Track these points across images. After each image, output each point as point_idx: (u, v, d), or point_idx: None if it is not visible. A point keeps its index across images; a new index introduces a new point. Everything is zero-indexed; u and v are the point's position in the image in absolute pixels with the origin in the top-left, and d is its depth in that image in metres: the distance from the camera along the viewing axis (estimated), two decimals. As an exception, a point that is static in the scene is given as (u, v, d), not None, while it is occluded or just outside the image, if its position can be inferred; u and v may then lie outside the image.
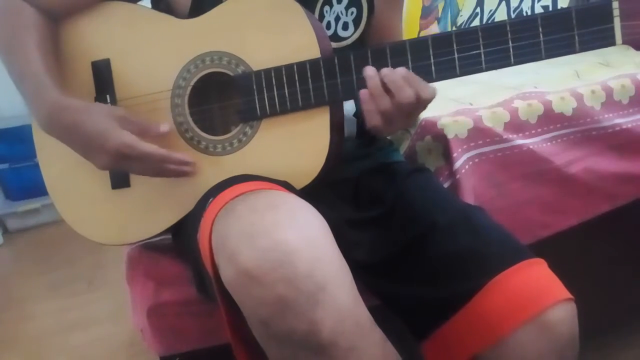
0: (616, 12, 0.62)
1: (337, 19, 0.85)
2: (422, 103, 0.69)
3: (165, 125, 0.77)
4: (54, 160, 0.84)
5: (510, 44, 0.65)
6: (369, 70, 0.69)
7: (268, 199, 0.62)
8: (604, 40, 0.63)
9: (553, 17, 0.64)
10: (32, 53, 0.76)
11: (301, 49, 0.72)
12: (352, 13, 0.86)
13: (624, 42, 0.62)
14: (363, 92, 0.69)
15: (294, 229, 0.56)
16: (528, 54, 0.65)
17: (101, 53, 0.82)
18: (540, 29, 0.64)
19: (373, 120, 0.70)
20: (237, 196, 0.63)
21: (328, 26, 0.84)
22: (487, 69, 0.67)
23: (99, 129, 0.73)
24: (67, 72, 0.82)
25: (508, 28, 0.65)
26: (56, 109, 0.74)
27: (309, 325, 0.53)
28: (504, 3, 1.76)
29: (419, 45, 0.68)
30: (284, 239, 0.55)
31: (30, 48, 0.76)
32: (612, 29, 0.62)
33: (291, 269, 0.53)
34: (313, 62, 0.72)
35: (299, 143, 0.74)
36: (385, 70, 0.68)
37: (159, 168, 0.75)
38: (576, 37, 0.63)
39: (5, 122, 2.54)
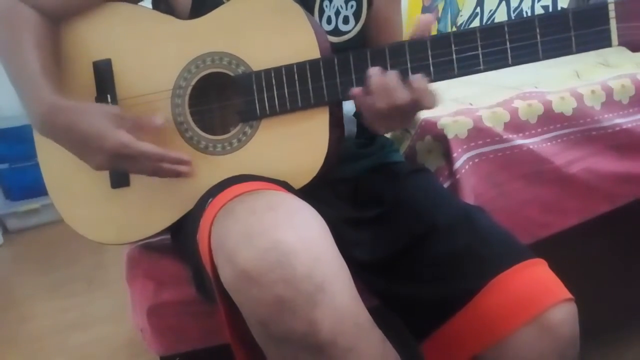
0: (612, 14, 0.62)
1: (338, 13, 0.85)
2: (418, 106, 0.68)
3: (159, 118, 0.77)
4: (54, 159, 0.84)
5: (508, 45, 0.65)
6: (371, 70, 0.69)
7: (267, 200, 0.62)
8: (601, 41, 0.63)
9: (550, 18, 0.64)
10: (29, 55, 0.76)
11: (301, 49, 0.72)
12: (352, 6, 0.86)
13: (620, 44, 0.63)
14: (356, 90, 0.69)
15: (292, 229, 0.56)
16: (526, 55, 0.65)
17: (102, 53, 0.82)
18: (538, 30, 0.64)
19: (368, 116, 0.71)
20: (235, 197, 0.63)
21: (329, 21, 0.84)
22: (486, 70, 0.67)
23: (95, 130, 0.73)
24: (68, 72, 0.83)
25: (506, 29, 0.65)
26: (51, 110, 0.74)
27: (308, 325, 0.53)
28: (504, 3, 1.76)
29: (417, 46, 0.68)
30: (283, 240, 0.54)
31: (28, 49, 0.76)
32: (608, 30, 0.62)
33: (289, 269, 0.53)
34: (313, 63, 0.72)
35: (298, 143, 0.74)
36: (390, 72, 0.68)
37: (156, 167, 0.75)
38: (573, 39, 0.64)
39: (5, 122, 2.54)
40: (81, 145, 0.75)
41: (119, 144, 0.72)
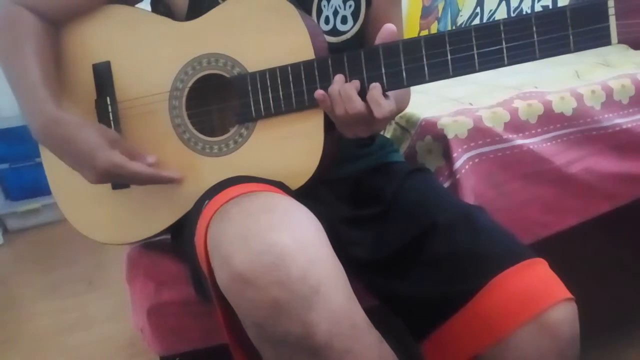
0: (611, 11, 0.61)
1: (336, 13, 0.84)
2: (376, 119, 0.68)
3: (152, 157, 0.78)
4: (57, 160, 0.84)
5: (504, 44, 0.64)
6: (336, 77, 0.70)
7: (262, 202, 0.62)
8: (599, 39, 0.62)
9: (547, 16, 0.63)
10: (29, 62, 0.76)
11: (296, 50, 0.72)
12: (350, 6, 0.85)
13: (620, 41, 0.61)
14: (317, 93, 0.70)
15: (287, 231, 0.56)
16: (522, 54, 0.64)
17: (102, 56, 0.82)
18: (535, 29, 0.63)
19: (332, 120, 0.72)
20: (231, 199, 0.63)
21: (327, 21, 0.84)
22: (481, 70, 0.66)
23: (89, 147, 0.74)
24: (68, 74, 0.83)
25: (502, 28, 0.64)
26: (50, 122, 0.75)
27: (304, 327, 0.53)
28: (504, 3, 1.76)
29: (411, 45, 0.67)
30: (278, 242, 0.55)
31: (28, 57, 0.76)
32: (608, 28, 0.61)
33: (285, 271, 0.53)
34: (307, 64, 0.71)
35: (294, 144, 0.74)
36: (350, 83, 0.69)
37: (148, 182, 0.77)
38: (571, 37, 0.62)
39: (5, 122, 2.54)
40: (75, 159, 0.76)
41: (111, 165, 0.73)
